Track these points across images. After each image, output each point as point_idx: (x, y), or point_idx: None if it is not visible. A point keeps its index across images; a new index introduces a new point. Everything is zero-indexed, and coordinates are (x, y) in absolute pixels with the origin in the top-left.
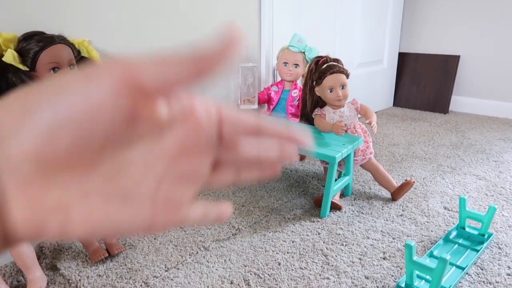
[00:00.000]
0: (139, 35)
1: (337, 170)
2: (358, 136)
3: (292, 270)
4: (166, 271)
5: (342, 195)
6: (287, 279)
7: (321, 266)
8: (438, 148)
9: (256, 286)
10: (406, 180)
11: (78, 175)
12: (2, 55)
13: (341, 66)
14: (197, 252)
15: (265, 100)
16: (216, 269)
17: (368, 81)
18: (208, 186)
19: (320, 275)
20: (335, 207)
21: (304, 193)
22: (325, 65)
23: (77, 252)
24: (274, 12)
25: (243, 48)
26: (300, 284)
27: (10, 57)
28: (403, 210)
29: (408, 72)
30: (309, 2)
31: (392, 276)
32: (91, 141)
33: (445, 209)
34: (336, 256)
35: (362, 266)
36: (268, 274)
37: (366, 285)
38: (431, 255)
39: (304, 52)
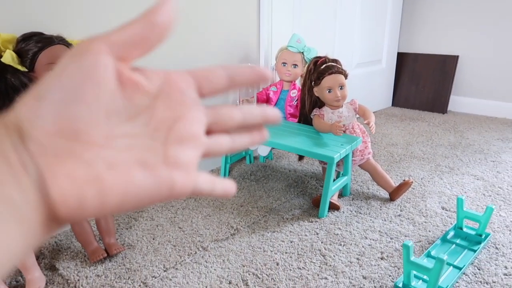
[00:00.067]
0: None
1: (336, 170)
2: (357, 136)
3: (290, 270)
4: (164, 271)
5: (341, 195)
6: (285, 279)
7: (319, 266)
8: (436, 148)
9: (255, 286)
10: (404, 180)
11: (97, 148)
12: (1, 56)
13: (340, 66)
14: (196, 252)
15: (263, 100)
16: (215, 269)
17: (367, 81)
18: (210, 154)
19: (318, 275)
20: (333, 207)
21: (303, 193)
22: (324, 66)
23: (76, 252)
24: (273, 12)
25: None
26: (298, 284)
27: (9, 58)
28: (401, 210)
29: (407, 72)
30: (308, 2)
31: (390, 276)
32: (98, 106)
33: (443, 209)
34: (334, 256)
35: (360, 266)
36: (266, 274)
37: (364, 285)
38: (428, 255)
39: (303, 53)
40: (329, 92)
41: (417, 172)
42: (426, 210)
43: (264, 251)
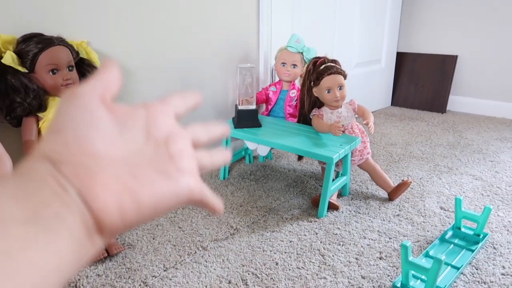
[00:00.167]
0: (138, 36)
1: (335, 170)
2: (356, 136)
3: (290, 270)
4: (164, 270)
5: (340, 195)
6: (285, 279)
7: (318, 266)
8: (435, 148)
9: (254, 285)
10: (403, 180)
11: (118, 163)
12: (1, 57)
13: (339, 67)
14: (196, 252)
15: (263, 100)
16: (214, 269)
17: (366, 81)
18: (204, 167)
19: (317, 274)
20: (332, 207)
21: (302, 193)
22: (323, 66)
23: None
24: (272, 12)
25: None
26: (297, 284)
27: (9, 59)
28: (399, 210)
29: (406, 72)
30: (308, 2)
31: (388, 276)
32: (104, 129)
33: (441, 209)
34: (333, 256)
35: (358, 266)
36: (266, 274)
37: (363, 285)
38: (427, 255)
39: (302, 53)
40: (328, 92)
41: (416, 172)
42: (424, 210)
43: (263, 250)
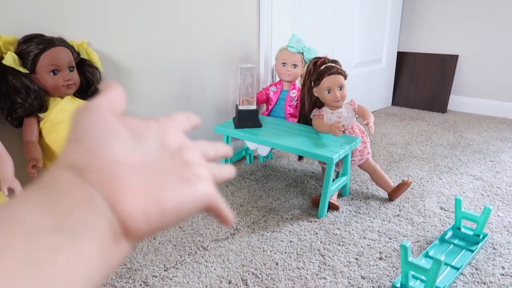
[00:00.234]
0: (138, 37)
1: (335, 170)
2: (356, 136)
3: (290, 270)
4: (165, 270)
5: (340, 195)
6: (285, 279)
7: (318, 266)
8: (435, 147)
9: (254, 286)
10: (403, 180)
11: (139, 170)
12: (2, 58)
13: (339, 67)
14: (196, 252)
15: (263, 101)
16: (215, 269)
17: (367, 80)
18: (214, 177)
19: (317, 275)
20: (332, 207)
21: (302, 193)
22: (323, 66)
23: None
24: (273, 13)
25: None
26: (297, 284)
27: (10, 59)
28: (399, 210)
29: (406, 72)
30: (308, 2)
31: (388, 276)
32: (122, 138)
33: (441, 209)
34: (333, 256)
35: (358, 266)
36: (266, 274)
37: (362, 285)
38: (426, 255)
39: (302, 53)
40: (328, 92)
41: (416, 172)
42: (424, 210)
43: (263, 251)
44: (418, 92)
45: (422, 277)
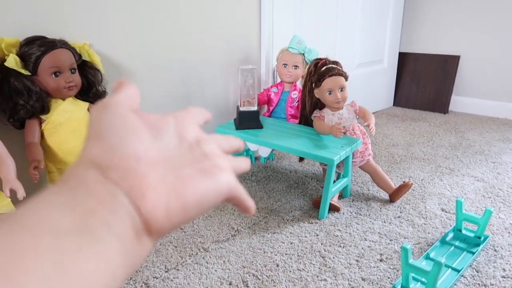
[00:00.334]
0: (139, 38)
1: (336, 172)
2: (357, 138)
3: (290, 271)
4: (166, 272)
5: (341, 196)
6: (285, 281)
7: (319, 268)
8: (437, 149)
9: (255, 287)
10: (404, 181)
11: (160, 166)
12: (4, 60)
13: (340, 68)
14: (197, 253)
15: (264, 102)
16: (215, 270)
17: (369, 81)
18: (234, 169)
19: (317, 276)
20: (333, 208)
21: (303, 195)
22: (324, 68)
23: None
24: (274, 13)
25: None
26: (298, 286)
27: (12, 61)
28: (400, 212)
29: (408, 72)
30: (309, 3)
31: (389, 278)
32: (142, 134)
33: (442, 211)
34: (333, 257)
35: (359, 268)
36: (266, 276)
37: (363, 287)
38: (427, 257)
39: (303, 54)
40: (329, 94)
41: (417, 173)
42: (425, 211)
43: (264, 252)
44: (419, 93)
45: (423, 279)
